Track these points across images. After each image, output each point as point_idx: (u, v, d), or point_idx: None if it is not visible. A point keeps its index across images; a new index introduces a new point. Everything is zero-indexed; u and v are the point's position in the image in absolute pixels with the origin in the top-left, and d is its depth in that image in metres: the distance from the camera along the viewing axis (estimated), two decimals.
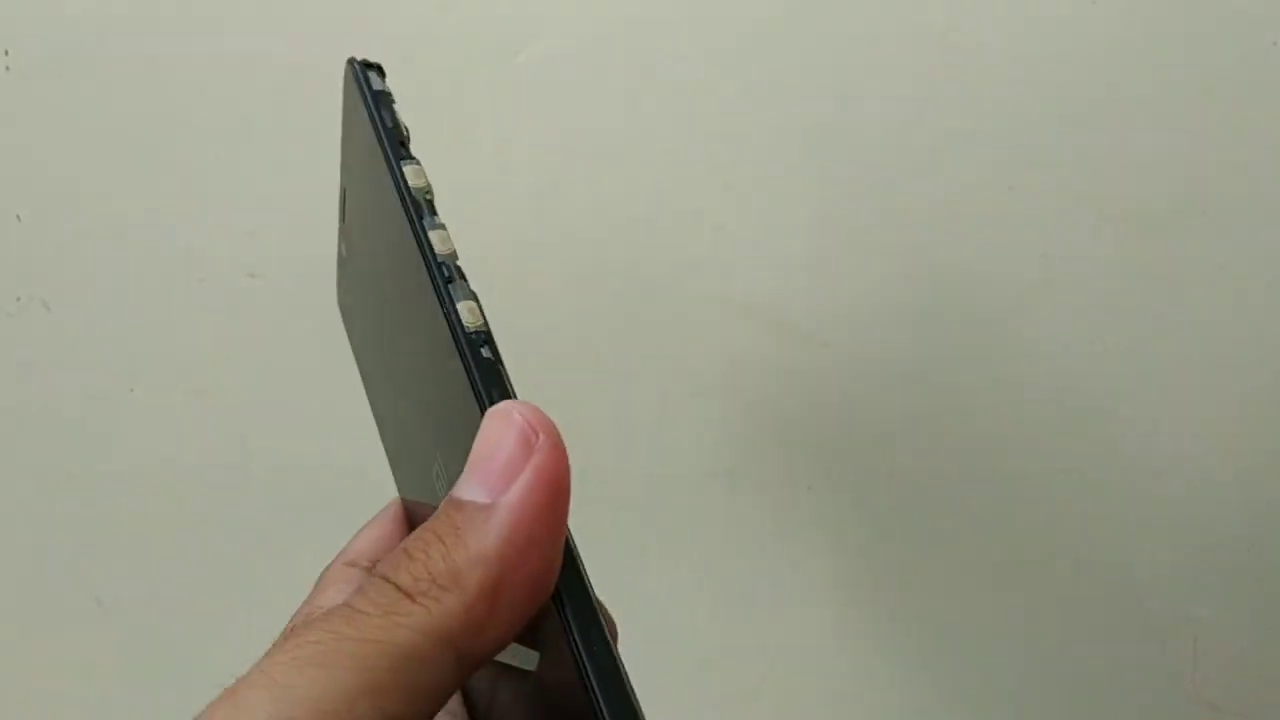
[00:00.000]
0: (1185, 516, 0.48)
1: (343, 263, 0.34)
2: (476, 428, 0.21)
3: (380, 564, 0.20)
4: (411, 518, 0.30)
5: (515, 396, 0.22)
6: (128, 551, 0.50)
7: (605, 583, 0.56)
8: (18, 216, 0.47)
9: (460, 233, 0.44)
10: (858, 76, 0.46)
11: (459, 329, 0.22)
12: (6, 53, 0.46)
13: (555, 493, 0.20)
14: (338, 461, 0.49)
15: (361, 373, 0.34)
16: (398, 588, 0.19)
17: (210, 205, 0.47)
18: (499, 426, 0.20)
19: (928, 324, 0.48)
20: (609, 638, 0.20)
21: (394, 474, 0.33)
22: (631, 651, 0.52)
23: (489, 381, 0.22)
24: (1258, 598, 0.49)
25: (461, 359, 0.22)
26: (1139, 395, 0.48)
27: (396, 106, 0.26)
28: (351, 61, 0.27)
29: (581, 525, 0.54)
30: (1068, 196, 0.46)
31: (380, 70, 0.27)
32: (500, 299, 0.49)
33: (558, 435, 0.21)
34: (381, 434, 0.34)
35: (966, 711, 0.50)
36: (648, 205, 0.47)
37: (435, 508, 0.21)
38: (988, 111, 0.46)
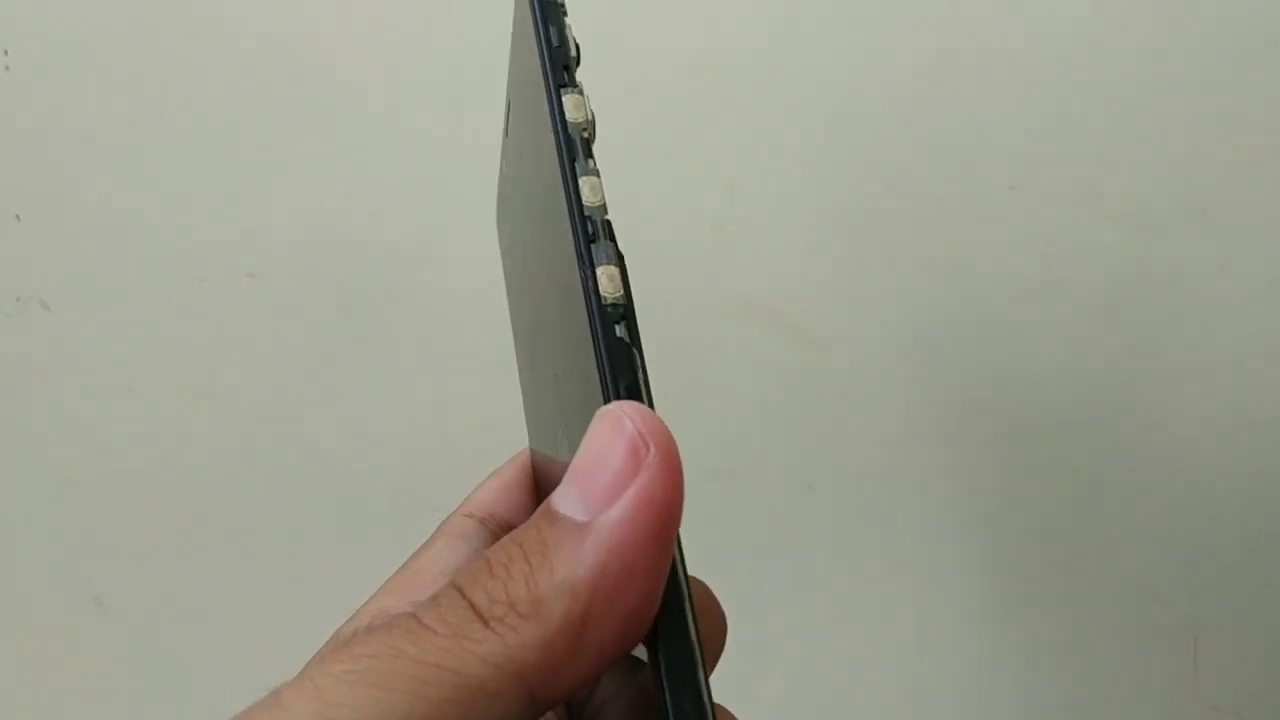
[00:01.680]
0: (1185, 517, 0.48)
1: (503, 180, 0.30)
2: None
3: (458, 572, 0.18)
4: (538, 471, 0.28)
5: (647, 388, 0.19)
6: (128, 551, 0.50)
7: None
8: (17, 216, 0.47)
9: (457, 231, 0.44)
10: (858, 76, 0.46)
11: (594, 298, 0.19)
12: (6, 53, 0.46)
13: (662, 519, 0.17)
14: (338, 462, 0.49)
15: (509, 300, 0.31)
16: (472, 606, 0.17)
17: (209, 205, 0.47)
18: (608, 432, 0.18)
19: (928, 324, 0.48)
20: (705, 703, 0.17)
21: (526, 419, 0.30)
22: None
23: (618, 367, 0.19)
24: (1258, 598, 0.49)
25: (592, 334, 0.19)
26: (1139, 395, 0.48)
27: (568, 20, 0.22)
28: None
29: None
30: (1068, 196, 0.46)
31: None
32: (500, 299, 0.49)
33: (673, 451, 0.18)
34: (520, 370, 0.30)
35: (965, 711, 0.50)
36: (648, 205, 0.47)
37: (559, 466, 0.19)
38: (988, 111, 0.46)
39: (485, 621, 0.17)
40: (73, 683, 0.51)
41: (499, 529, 0.26)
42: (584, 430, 0.18)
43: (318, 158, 0.47)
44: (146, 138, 0.47)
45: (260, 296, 0.48)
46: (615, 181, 0.50)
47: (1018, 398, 0.48)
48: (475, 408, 0.49)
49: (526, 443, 0.30)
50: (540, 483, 0.27)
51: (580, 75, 0.22)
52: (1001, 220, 0.47)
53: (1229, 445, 0.48)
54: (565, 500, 0.18)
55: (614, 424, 0.18)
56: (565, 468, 0.18)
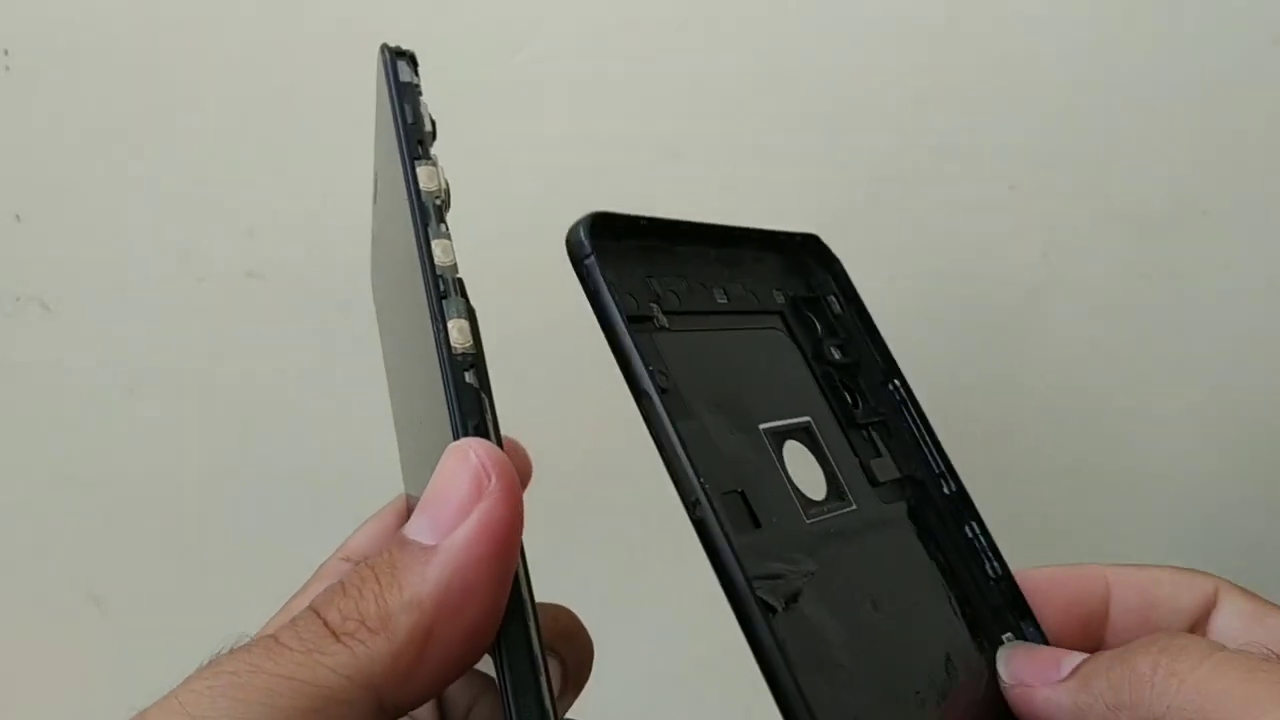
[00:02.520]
0: (1185, 517, 0.48)
1: (374, 242, 0.33)
2: None
3: (316, 597, 0.19)
4: None
5: (495, 428, 0.21)
6: (127, 551, 0.50)
7: (605, 582, 0.56)
8: (17, 216, 0.47)
9: (457, 232, 0.44)
10: (858, 75, 0.46)
11: (444, 349, 0.21)
12: (6, 52, 0.46)
13: (500, 542, 0.19)
14: (337, 461, 0.49)
15: (384, 355, 0.34)
16: (325, 623, 0.19)
17: (210, 205, 0.47)
18: (454, 465, 0.20)
19: (928, 323, 0.48)
20: (547, 707, 0.19)
21: (402, 466, 0.32)
22: (632, 651, 0.52)
23: (467, 409, 0.21)
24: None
25: (444, 379, 0.21)
26: (1139, 395, 0.48)
27: (423, 99, 0.25)
28: (383, 48, 0.26)
29: (582, 525, 0.54)
30: (1068, 196, 0.46)
31: (412, 60, 0.26)
32: (499, 299, 0.49)
33: (513, 481, 0.20)
34: (395, 424, 0.33)
35: None
36: (648, 204, 0.47)
37: None
38: (988, 110, 0.46)
39: (337, 636, 0.18)
40: (72, 683, 0.51)
41: None
42: None
43: (318, 157, 0.47)
44: (146, 137, 0.47)
45: (260, 296, 0.48)
46: (617, 182, 0.50)
47: (1017, 397, 0.48)
48: None
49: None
50: None
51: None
52: (1001, 220, 0.47)
53: (1229, 445, 0.48)
54: (415, 526, 0.19)
55: (460, 457, 0.20)
56: None
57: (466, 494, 0.19)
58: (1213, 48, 0.45)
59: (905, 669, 0.25)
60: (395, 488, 0.50)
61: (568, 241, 0.24)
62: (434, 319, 0.22)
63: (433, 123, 0.25)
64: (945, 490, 0.31)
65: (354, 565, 0.28)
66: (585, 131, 0.47)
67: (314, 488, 0.49)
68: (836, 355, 0.31)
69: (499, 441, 0.21)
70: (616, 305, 0.23)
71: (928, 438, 0.31)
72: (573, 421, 0.47)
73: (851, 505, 0.27)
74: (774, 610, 0.22)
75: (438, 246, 0.23)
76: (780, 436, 0.27)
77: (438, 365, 0.21)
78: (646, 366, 0.23)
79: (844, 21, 0.45)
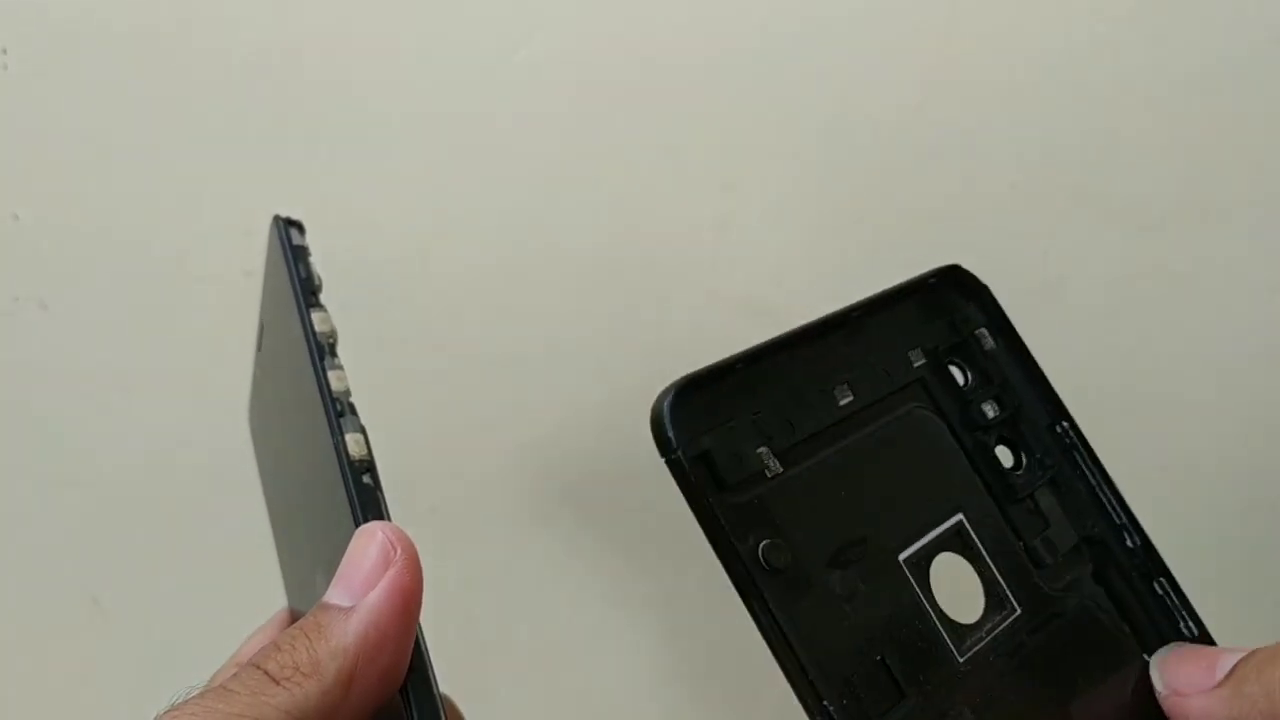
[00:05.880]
0: (1185, 517, 0.48)
1: (256, 386, 0.37)
2: None
3: (254, 655, 0.23)
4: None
5: (388, 518, 0.25)
6: (126, 551, 0.50)
7: (605, 583, 0.56)
8: (15, 216, 0.47)
9: (458, 232, 0.44)
10: (858, 75, 0.46)
11: (344, 458, 0.25)
12: (6, 52, 0.46)
13: (407, 600, 0.23)
14: None
15: (264, 488, 0.38)
16: (266, 673, 0.22)
17: (207, 204, 0.47)
18: (364, 542, 0.24)
19: None
20: None
21: (284, 582, 0.36)
22: (634, 650, 0.52)
23: (366, 505, 0.25)
24: (1259, 599, 0.49)
25: (344, 483, 0.25)
26: (1139, 395, 0.48)
27: (312, 259, 0.30)
28: (276, 219, 0.31)
29: (584, 526, 0.54)
30: (1069, 195, 0.46)
31: (300, 226, 0.31)
32: (500, 298, 0.49)
33: (414, 552, 0.24)
34: (277, 547, 0.37)
35: None
36: (647, 205, 0.47)
37: None
38: (988, 110, 0.46)
39: (277, 681, 0.22)
40: (71, 682, 0.51)
41: None
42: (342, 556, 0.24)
43: (317, 158, 0.47)
44: (146, 138, 0.47)
45: (258, 296, 0.48)
46: (619, 182, 0.50)
47: None
48: (475, 407, 0.49)
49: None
50: None
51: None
52: (1001, 220, 0.47)
53: (1230, 445, 0.48)
54: (333, 593, 0.23)
55: (369, 535, 0.24)
56: None
57: (376, 564, 0.23)
58: (1214, 47, 0.45)
59: None
60: (394, 489, 0.50)
61: (654, 435, 0.25)
62: (333, 433, 0.26)
63: (319, 278, 0.29)
64: (1129, 544, 0.29)
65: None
66: (584, 131, 0.47)
67: None
68: (990, 412, 0.28)
69: None
70: (712, 510, 0.24)
71: (1105, 487, 0.29)
72: (572, 421, 0.47)
73: (1015, 611, 0.26)
74: None
75: (333, 376, 0.27)
76: (925, 559, 0.26)
77: (336, 476, 0.25)
78: (751, 562, 0.24)
79: (844, 21, 0.45)
